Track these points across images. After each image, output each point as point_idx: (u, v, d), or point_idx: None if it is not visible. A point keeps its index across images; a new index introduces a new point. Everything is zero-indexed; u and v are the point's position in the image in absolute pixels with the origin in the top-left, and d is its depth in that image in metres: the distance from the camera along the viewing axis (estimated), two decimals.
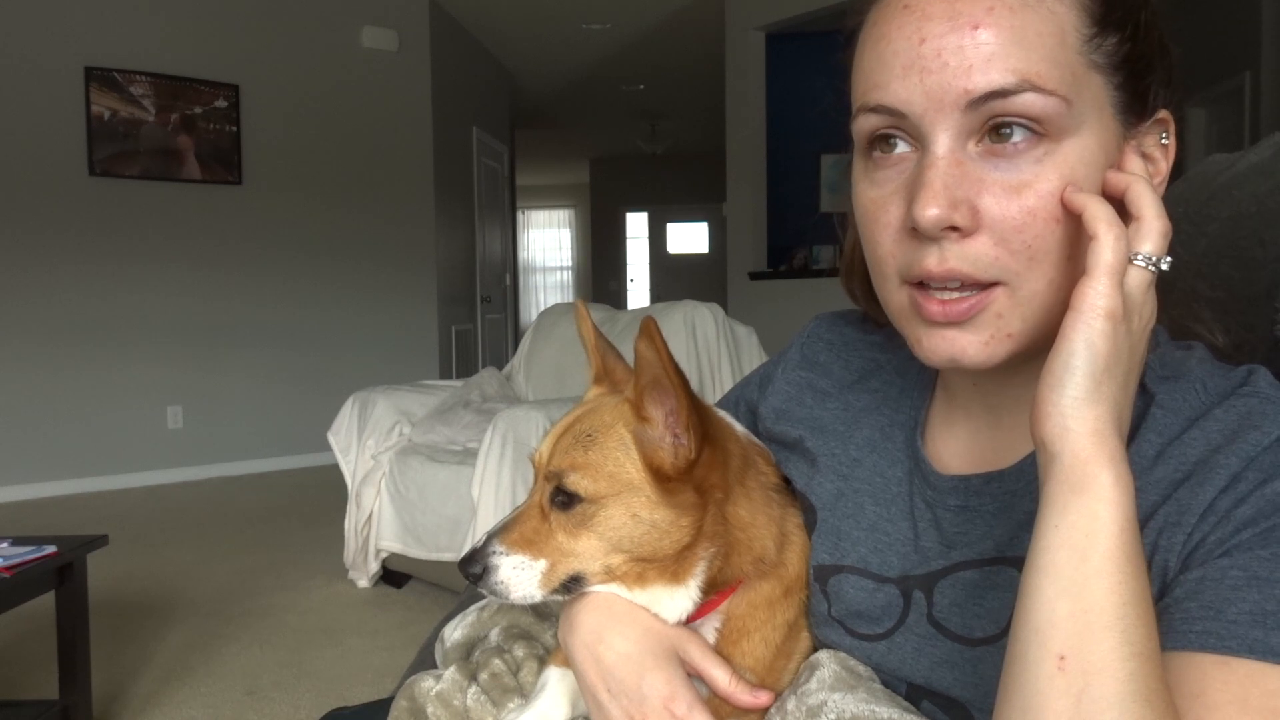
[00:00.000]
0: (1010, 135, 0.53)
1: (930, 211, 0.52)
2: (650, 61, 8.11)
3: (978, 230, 0.53)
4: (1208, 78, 5.90)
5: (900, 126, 0.56)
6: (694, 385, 0.63)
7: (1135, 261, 0.51)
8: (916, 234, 0.55)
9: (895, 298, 0.59)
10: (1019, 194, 0.53)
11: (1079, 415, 0.48)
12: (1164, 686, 0.45)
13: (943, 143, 0.54)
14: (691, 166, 11.97)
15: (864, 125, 0.58)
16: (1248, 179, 0.75)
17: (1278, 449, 0.50)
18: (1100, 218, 0.51)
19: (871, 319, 0.76)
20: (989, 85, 0.52)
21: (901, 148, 0.56)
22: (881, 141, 0.57)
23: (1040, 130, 0.52)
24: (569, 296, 14.06)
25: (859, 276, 0.73)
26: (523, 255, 13.43)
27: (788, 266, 5.99)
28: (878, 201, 0.58)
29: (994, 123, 0.53)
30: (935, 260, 0.54)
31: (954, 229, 0.53)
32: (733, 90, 6.14)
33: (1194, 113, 6.10)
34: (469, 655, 0.81)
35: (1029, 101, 0.52)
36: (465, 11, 6.75)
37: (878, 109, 0.56)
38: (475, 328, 7.31)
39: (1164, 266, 0.52)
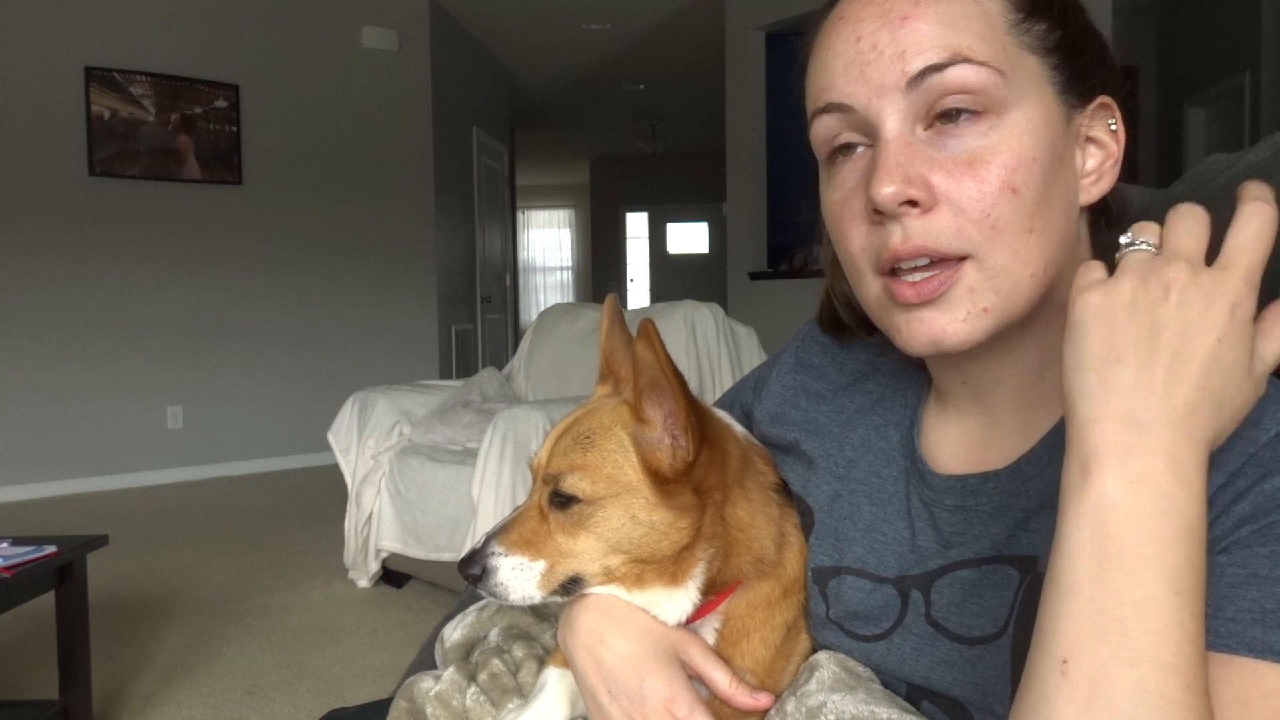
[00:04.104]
0: (955, 116, 0.55)
1: (886, 189, 0.55)
2: (650, 61, 8.11)
3: (935, 205, 0.55)
4: (1208, 78, 5.90)
5: (852, 125, 0.59)
6: (694, 385, 0.63)
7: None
8: (880, 219, 0.57)
9: (871, 291, 0.60)
10: (971, 166, 0.55)
11: (1127, 401, 0.45)
12: (1180, 691, 0.42)
13: (891, 127, 0.56)
14: (691, 166, 11.96)
15: (818, 130, 0.61)
16: (1248, 179, 0.75)
17: (1277, 445, 0.50)
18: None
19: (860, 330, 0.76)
20: (924, 63, 0.55)
21: (860, 149, 0.59)
22: (842, 149, 0.60)
23: (981, 106, 0.55)
24: (569, 296, 14.06)
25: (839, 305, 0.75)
26: (523, 255, 13.42)
27: (788, 266, 5.98)
28: (840, 201, 0.61)
29: (938, 106, 0.55)
30: (899, 238, 0.56)
31: (913, 204, 0.55)
32: (733, 90, 6.13)
33: (1194, 113, 6.10)
34: (468, 656, 0.81)
35: (962, 73, 0.55)
36: (465, 11, 6.74)
37: (827, 108, 0.59)
38: (475, 328, 7.31)
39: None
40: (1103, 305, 0.46)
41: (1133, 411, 0.44)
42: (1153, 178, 5.47)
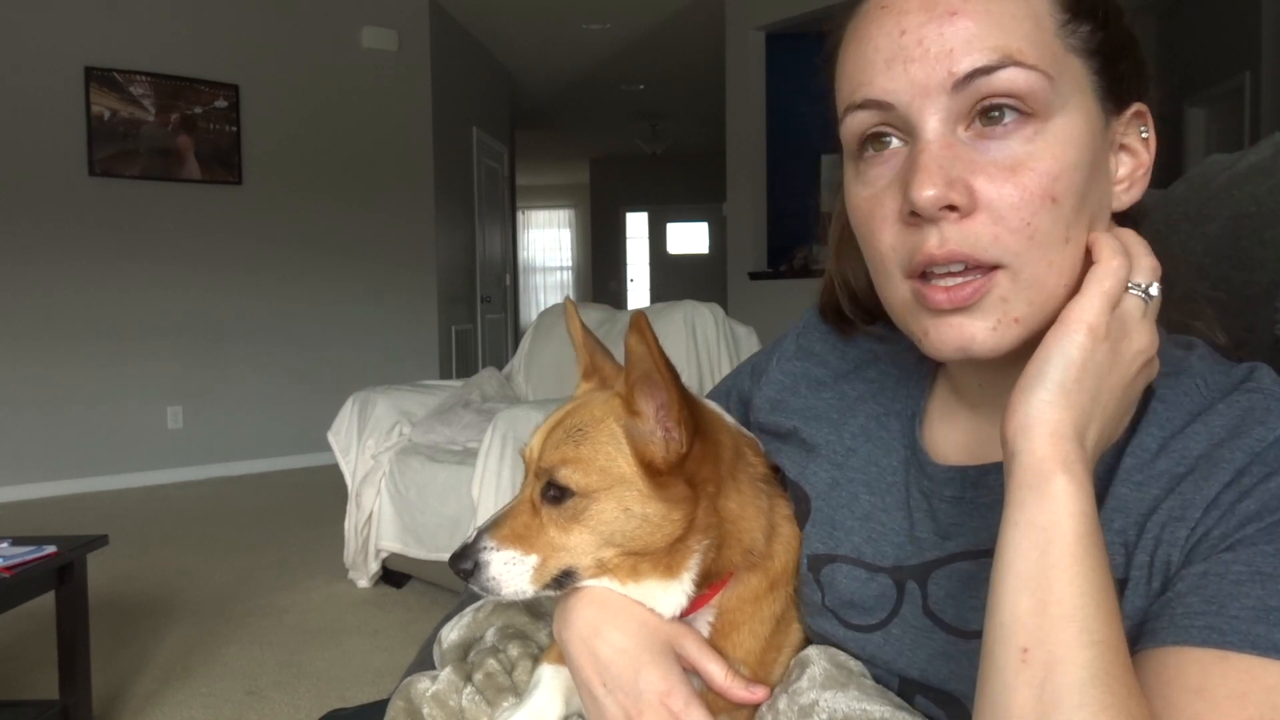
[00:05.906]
0: (1000, 117, 0.54)
1: (927, 192, 0.53)
2: (650, 61, 8.11)
3: (975, 210, 0.54)
4: (1208, 78, 5.90)
5: (889, 121, 0.56)
6: (694, 386, 0.63)
7: (1130, 290, 0.53)
8: (915, 221, 0.55)
9: (898, 293, 0.59)
10: (1014, 173, 0.53)
11: (1042, 417, 0.50)
12: (1126, 672, 0.46)
13: (932, 127, 0.54)
14: (691, 166, 11.96)
15: (852, 125, 0.58)
16: (1248, 179, 0.75)
17: None
18: (1107, 245, 0.54)
19: (861, 323, 0.75)
20: (972, 64, 0.53)
21: (894, 144, 0.57)
22: (874, 140, 0.58)
23: (1027, 109, 0.53)
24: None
25: (841, 293, 0.74)
26: (523, 255, 13.43)
27: (788, 266, 5.98)
28: (872, 199, 0.58)
29: (982, 105, 0.54)
30: (936, 242, 0.54)
31: (952, 209, 0.53)
32: (733, 90, 6.14)
33: (1194, 113, 6.10)
34: (465, 656, 0.81)
35: (1012, 76, 0.53)
36: (465, 11, 6.74)
37: (865, 104, 0.57)
38: (475, 328, 7.31)
39: (1153, 292, 0.54)
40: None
41: (1065, 425, 0.50)
42: (1153, 178, 5.45)
